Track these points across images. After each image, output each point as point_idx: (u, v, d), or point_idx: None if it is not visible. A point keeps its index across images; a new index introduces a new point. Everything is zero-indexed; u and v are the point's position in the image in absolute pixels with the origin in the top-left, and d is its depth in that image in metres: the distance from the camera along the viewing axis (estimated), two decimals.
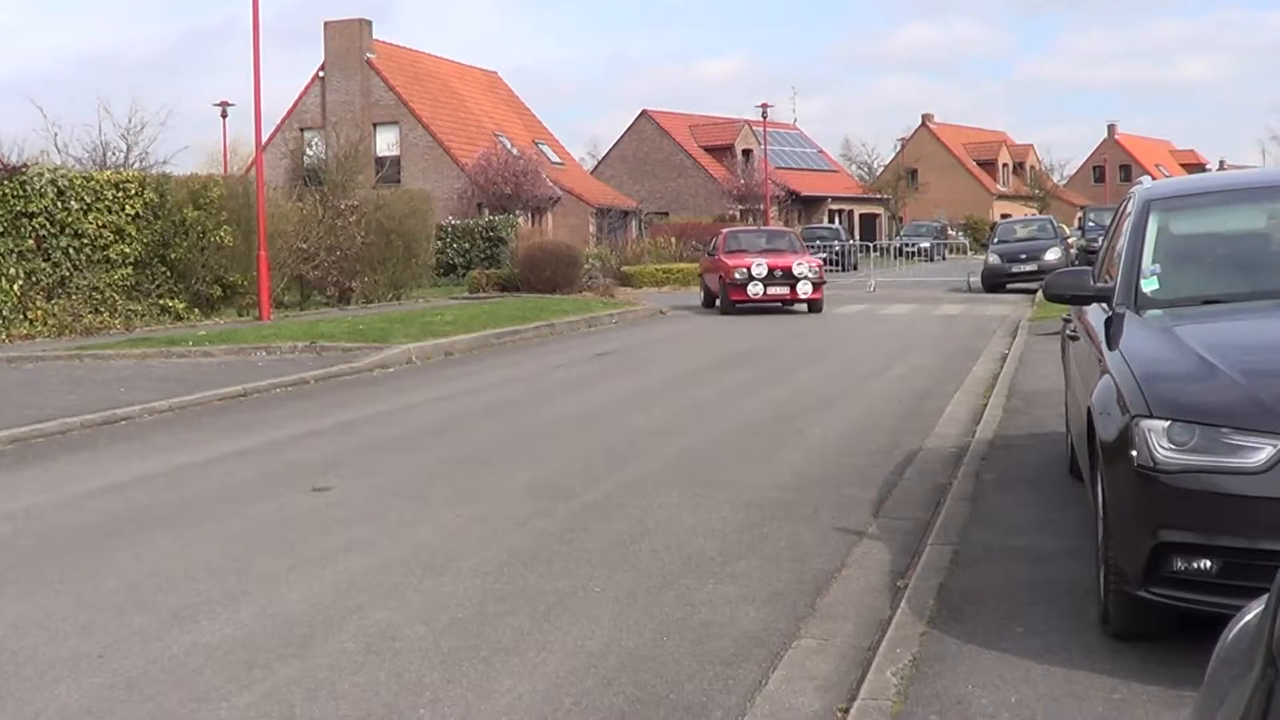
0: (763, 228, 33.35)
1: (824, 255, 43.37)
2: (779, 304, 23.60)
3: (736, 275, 23.13)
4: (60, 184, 18.93)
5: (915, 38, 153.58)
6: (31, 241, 18.38)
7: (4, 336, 17.65)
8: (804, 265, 23.20)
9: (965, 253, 49.72)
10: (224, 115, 44.25)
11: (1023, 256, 29.92)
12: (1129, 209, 6.08)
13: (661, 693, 4.31)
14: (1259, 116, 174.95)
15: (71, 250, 19.05)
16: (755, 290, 22.94)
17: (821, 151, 68.56)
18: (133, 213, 20.20)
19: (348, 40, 41.62)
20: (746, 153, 56.80)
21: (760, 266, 23.08)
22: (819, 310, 23.22)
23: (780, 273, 23.18)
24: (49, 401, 11.57)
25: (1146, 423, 4.12)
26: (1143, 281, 5.44)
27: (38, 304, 18.44)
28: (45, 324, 18.37)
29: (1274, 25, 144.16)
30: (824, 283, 23.49)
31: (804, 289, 23.02)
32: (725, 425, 10.27)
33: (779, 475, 8.02)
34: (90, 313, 19.21)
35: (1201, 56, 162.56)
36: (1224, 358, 4.35)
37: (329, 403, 11.95)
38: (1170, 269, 5.57)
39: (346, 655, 4.70)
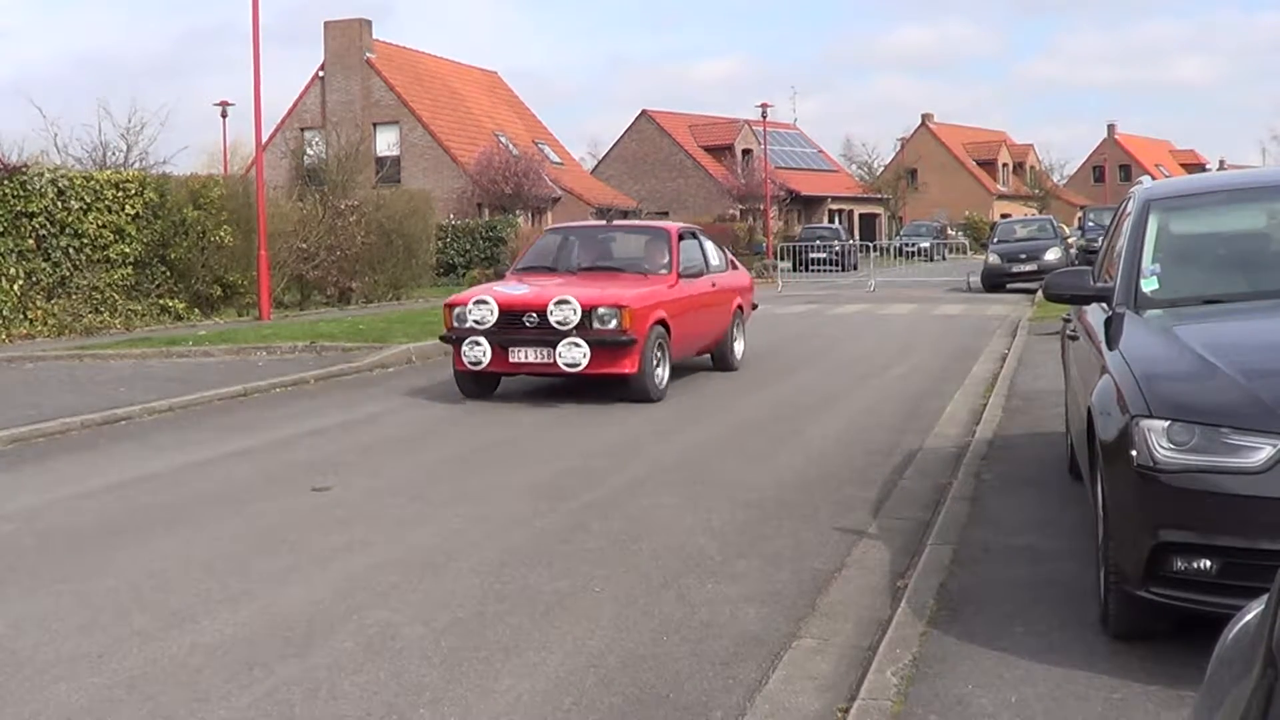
0: (620, 223, 15.83)
1: (824, 255, 43.82)
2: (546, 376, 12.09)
3: (455, 321, 11.80)
4: (60, 184, 18.93)
5: (912, 38, 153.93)
6: (31, 241, 18.38)
7: (4, 336, 17.65)
8: (568, 308, 11.20)
9: (965, 252, 49.74)
10: (224, 115, 44.32)
11: (1023, 256, 29.94)
12: (1129, 209, 6.08)
13: (661, 693, 4.31)
14: (1259, 116, 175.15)
15: (71, 250, 19.05)
16: (474, 355, 11.46)
17: (821, 151, 68.58)
18: (133, 213, 20.21)
19: (348, 40, 41.62)
20: (746, 153, 56.80)
21: (484, 307, 11.51)
22: (644, 396, 11.43)
23: (533, 319, 11.38)
24: (49, 401, 11.57)
25: (1146, 422, 4.12)
26: (1142, 281, 5.43)
27: (38, 304, 18.44)
28: (45, 324, 18.37)
29: (1268, 25, 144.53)
30: (631, 342, 11.20)
31: (570, 356, 11.17)
32: (725, 424, 10.28)
33: (779, 475, 8.02)
34: (90, 313, 19.21)
35: (1197, 57, 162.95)
36: (1224, 357, 4.34)
37: (329, 403, 11.95)
38: (1170, 269, 5.57)
39: (346, 655, 4.70)
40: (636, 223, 17.04)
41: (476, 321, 11.52)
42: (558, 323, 11.18)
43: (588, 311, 11.21)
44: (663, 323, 11.76)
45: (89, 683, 4.48)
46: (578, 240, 13.71)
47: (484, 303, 11.55)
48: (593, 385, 11.80)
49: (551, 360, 11.27)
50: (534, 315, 11.37)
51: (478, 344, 11.43)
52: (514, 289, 12.07)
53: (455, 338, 11.71)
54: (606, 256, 13.46)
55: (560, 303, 11.25)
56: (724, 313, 13.74)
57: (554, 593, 5.47)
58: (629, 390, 11.43)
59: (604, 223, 14.03)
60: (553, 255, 13.46)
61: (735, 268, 14.75)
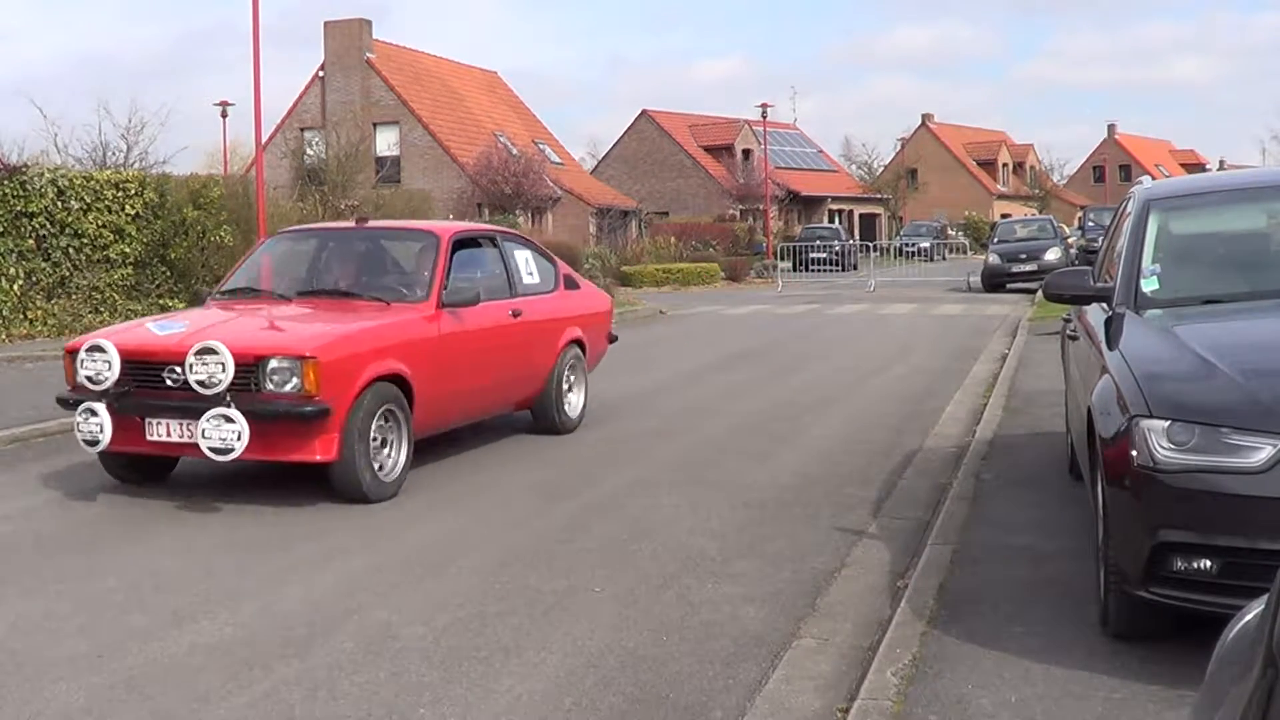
0: (376, 225, 10.28)
1: (824, 255, 43.82)
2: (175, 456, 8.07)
3: (75, 376, 7.73)
4: (60, 184, 18.93)
5: (911, 39, 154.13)
6: (31, 241, 18.38)
7: (4, 336, 17.66)
8: (213, 360, 7.16)
9: (965, 253, 49.77)
10: (224, 115, 44.26)
11: (1023, 256, 29.99)
12: (1129, 209, 6.09)
13: (661, 693, 4.31)
14: (1259, 116, 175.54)
15: (71, 250, 19.05)
16: (88, 430, 7.45)
17: (821, 151, 68.57)
18: (133, 213, 20.20)
19: (347, 40, 41.62)
20: (746, 153, 56.80)
21: (99, 357, 7.55)
22: (356, 494, 7.38)
23: (176, 375, 7.38)
24: (49, 401, 11.54)
25: (1146, 422, 4.12)
26: (1143, 281, 5.44)
27: (38, 304, 18.44)
28: (45, 324, 18.37)
29: (1268, 25, 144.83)
30: (320, 413, 7.12)
31: (218, 436, 7.08)
32: (725, 424, 10.28)
33: (779, 475, 8.02)
34: (90, 313, 19.21)
35: (1195, 57, 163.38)
36: (1224, 358, 4.35)
37: None
38: (1170, 269, 5.57)
39: (346, 655, 4.70)
40: (396, 224, 11.76)
41: (89, 378, 7.53)
42: (199, 383, 7.15)
43: (249, 366, 7.22)
44: (395, 378, 7.70)
45: (89, 683, 4.48)
46: (310, 250, 9.53)
47: (98, 350, 7.54)
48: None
49: (189, 438, 7.29)
50: (176, 370, 7.35)
51: (93, 413, 7.43)
52: (163, 328, 7.90)
53: (72, 401, 7.75)
54: (343, 275, 9.13)
55: (202, 353, 7.19)
56: (540, 353, 9.64)
57: (554, 592, 5.47)
58: (333, 485, 7.45)
59: (352, 224, 9.83)
60: (271, 273, 9.31)
61: (574, 285, 10.63)
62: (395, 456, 7.72)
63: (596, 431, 9.99)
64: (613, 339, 11.31)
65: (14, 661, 4.71)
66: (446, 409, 8.48)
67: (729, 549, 6.19)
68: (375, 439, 7.53)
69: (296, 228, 11.00)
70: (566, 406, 10.03)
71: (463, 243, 9.18)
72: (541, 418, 9.90)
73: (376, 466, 7.51)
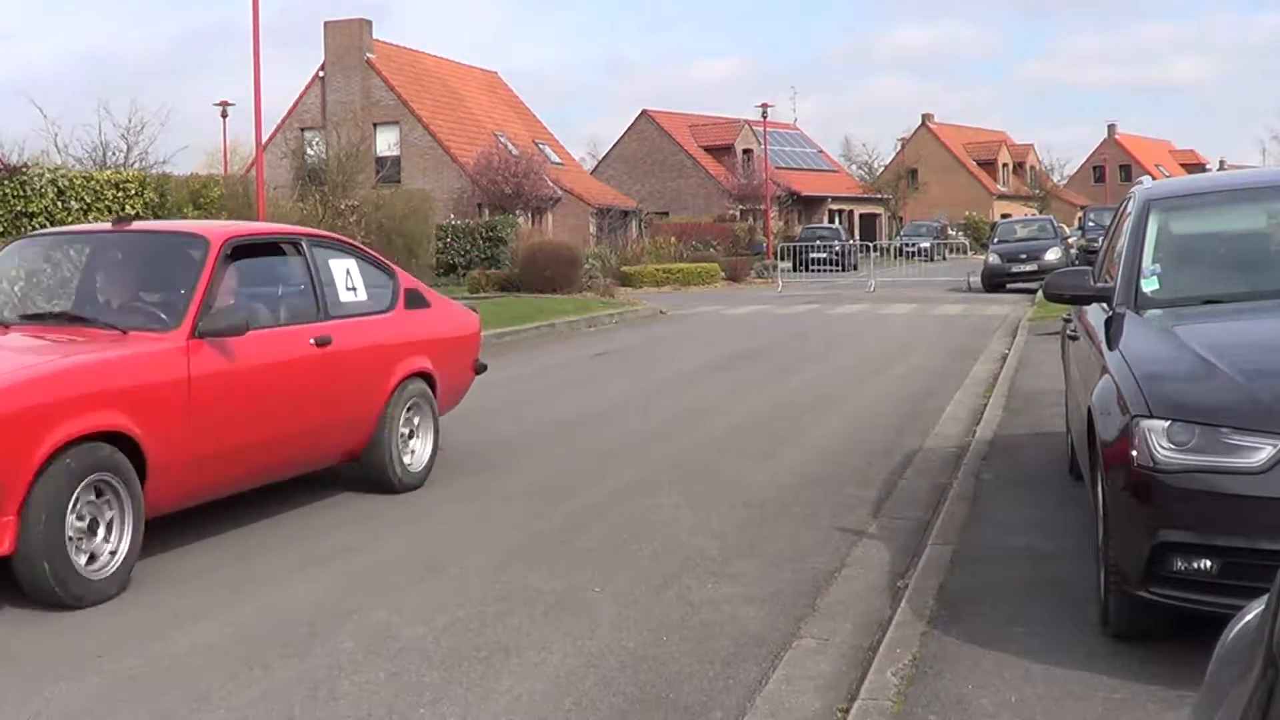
0: (139, 226, 7.71)
1: (824, 255, 43.83)
2: None
3: None
4: (60, 184, 18.95)
5: (911, 38, 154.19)
6: None
7: None
8: None
9: (965, 253, 49.76)
10: (224, 115, 44.35)
11: (1023, 256, 29.99)
12: (1129, 209, 6.09)
13: (661, 693, 4.31)
14: (1259, 116, 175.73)
15: None
16: None
17: (821, 151, 68.58)
18: (133, 213, 20.21)
19: (348, 40, 41.62)
20: (747, 153, 56.82)
21: None
22: (49, 595, 5.25)
23: None
24: None
25: (1146, 423, 4.12)
26: (1143, 281, 5.44)
27: None
28: None
29: (1267, 26, 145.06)
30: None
31: None
32: (725, 424, 10.28)
33: (779, 475, 8.02)
34: None
35: (1196, 57, 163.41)
36: (1224, 358, 4.35)
37: None
38: (1170, 269, 5.57)
39: (346, 655, 4.70)
40: (160, 226, 8.77)
41: None
42: None
43: None
44: (114, 436, 5.61)
45: (89, 683, 4.48)
46: (56, 261, 7.49)
47: None
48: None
49: None
50: None
51: None
52: None
53: None
54: (82, 293, 7.04)
55: None
56: (363, 391, 7.47)
57: (554, 592, 5.47)
58: (20, 586, 5.33)
59: (108, 226, 7.59)
60: (1, 289, 7.14)
61: (421, 303, 8.26)
62: (115, 543, 5.60)
63: (596, 431, 9.99)
64: (480, 369, 8.87)
65: (14, 662, 4.71)
66: (206, 475, 6.28)
67: (729, 549, 6.19)
68: (80, 522, 5.44)
69: (44, 231, 9.11)
70: (407, 458, 7.77)
71: (245, 250, 6.98)
72: (372, 471, 7.66)
73: (84, 559, 5.42)
